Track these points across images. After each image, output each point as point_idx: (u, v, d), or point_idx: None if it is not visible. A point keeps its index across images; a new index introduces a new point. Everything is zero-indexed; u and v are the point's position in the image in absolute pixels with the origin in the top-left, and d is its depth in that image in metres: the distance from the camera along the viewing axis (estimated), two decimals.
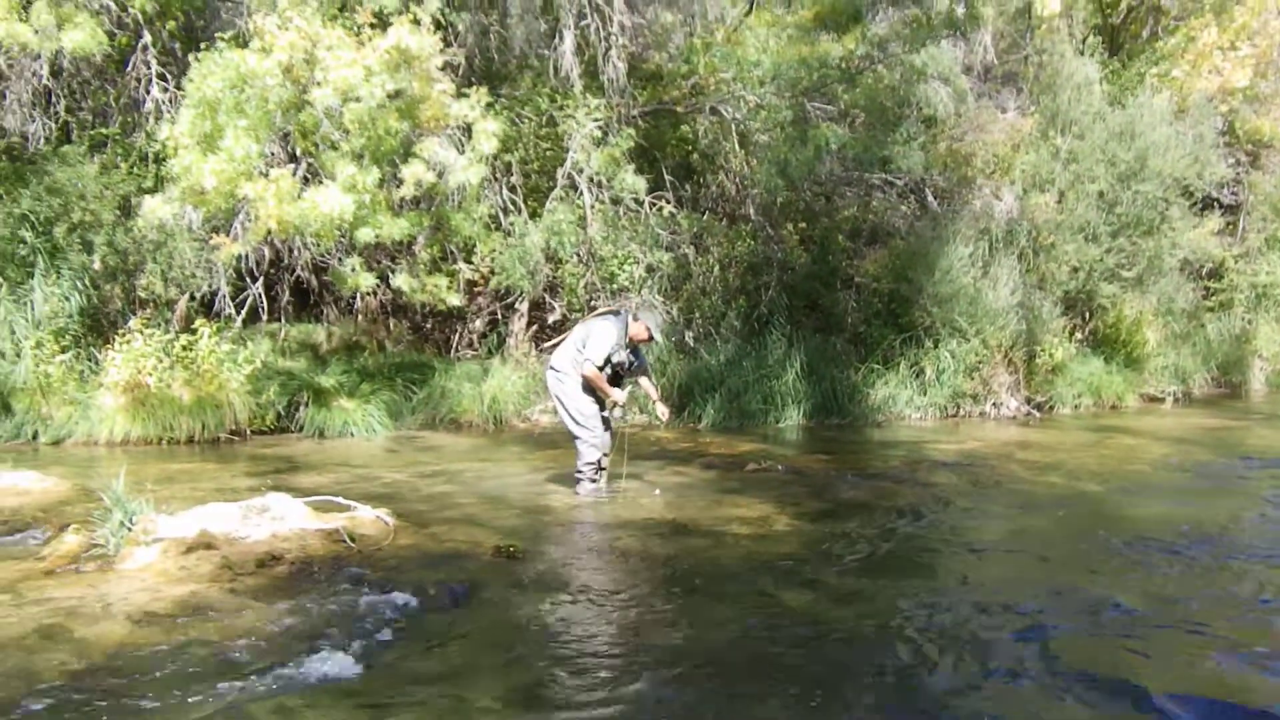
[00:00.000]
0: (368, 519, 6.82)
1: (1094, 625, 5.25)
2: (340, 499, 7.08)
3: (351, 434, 11.39)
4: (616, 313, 8.13)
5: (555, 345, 8.31)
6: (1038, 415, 13.75)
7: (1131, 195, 15.01)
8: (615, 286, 13.39)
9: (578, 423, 8.01)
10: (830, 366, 13.47)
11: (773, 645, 4.93)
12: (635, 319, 8.06)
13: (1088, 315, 15.63)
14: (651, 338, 8.13)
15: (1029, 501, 8.33)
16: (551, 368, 8.11)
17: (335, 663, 4.54)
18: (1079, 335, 15.27)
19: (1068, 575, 6.15)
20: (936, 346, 13.63)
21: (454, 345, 14.15)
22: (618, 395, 8.04)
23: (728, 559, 6.46)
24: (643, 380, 8.52)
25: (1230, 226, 19.12)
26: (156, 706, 4.07)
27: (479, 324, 14.17)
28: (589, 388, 7.96)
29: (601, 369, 7.88)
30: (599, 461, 8.14)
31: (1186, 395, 16.31)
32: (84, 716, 3.96)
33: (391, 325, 14.03)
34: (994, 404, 13.70)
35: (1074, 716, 4.14)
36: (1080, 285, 15.01)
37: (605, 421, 8.14)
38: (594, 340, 7.86)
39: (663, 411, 8.51)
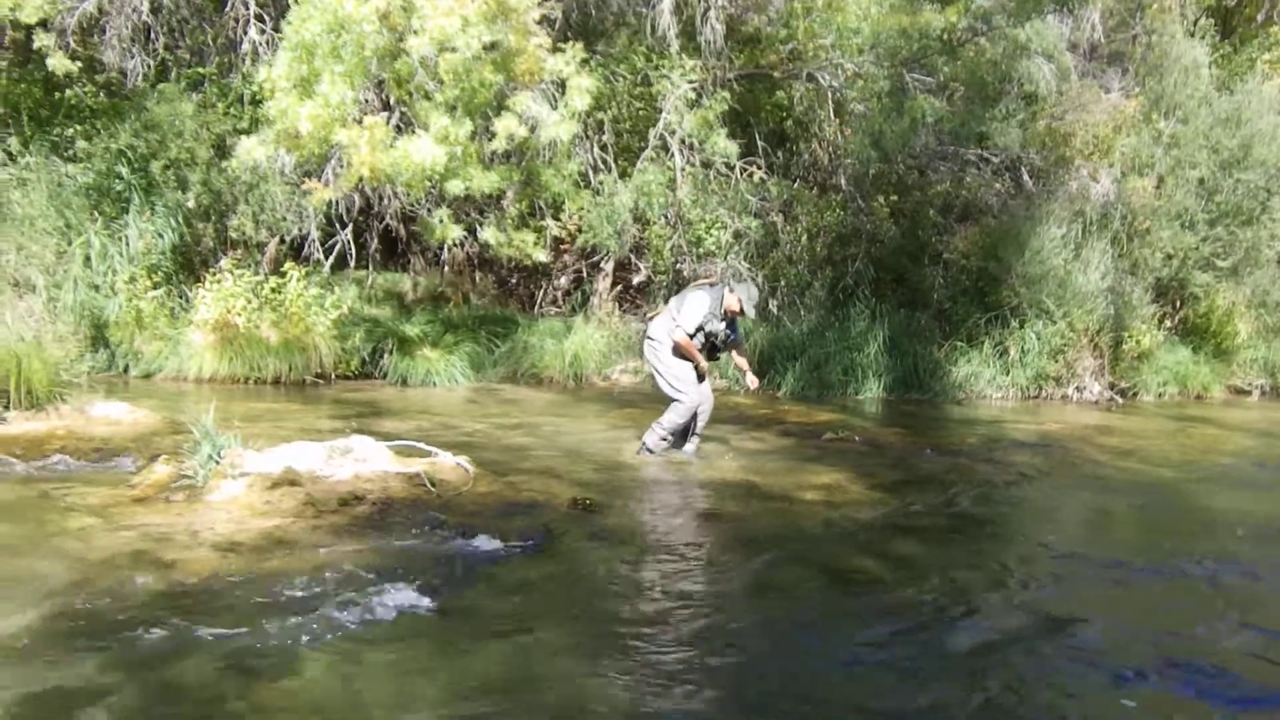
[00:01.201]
0: (448, 465, 6.84)
1: (1155, 611, 5.11)
2: (422, 445, 7.11)
3: (434, 383, 11.48)
4: (713, 284, 8.09)
5: (654, 317, 8.29)
6: (1120, 401, 13.40)
7: (1233, 183, 14.48)
8: (702, 251, 13.29)
9: (674, 387, 7.95)
10: (913, 342, 13.25)
11: (839, 613, 4.87)
12: (730, 290, 7.99)
13: (1178, 303, 15.16)
14: (743, 311, 8.01)
15: (1105, 486, 8.14)
16: (648, 337, 8.09)
17: (412, 600, 4.56)
18: (1168, 323, 14.83)
19: (1138, 559, 6.03)
20: (1022, 327, 13.33)
21: (538, 301, 14.18)
22: (707, 365, 8.03)
23: (800, 524, 6.39)
24: (734, 354, 8.44)
25: None
26: (241, 631, 4.12)
27: (564, 281, 14.18)
28: (682, 354, 7.91)
29: (693, 337, 7.84)
30: (689, 426, 8.10)
31: (1274, 389, 15.77)
32: (171, 638, 4.02)
33: (477, 278, 14.09)
34: (1077, 388, 13.38)
35: (1140, 703, 4.02)
36: (1173, 273, 14.56)
37: (701, 378, 8.05)
38: (687, 309, 7.84)
39: (751, 382, 8.48)
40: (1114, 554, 6.21)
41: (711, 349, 8.03)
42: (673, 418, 7.98)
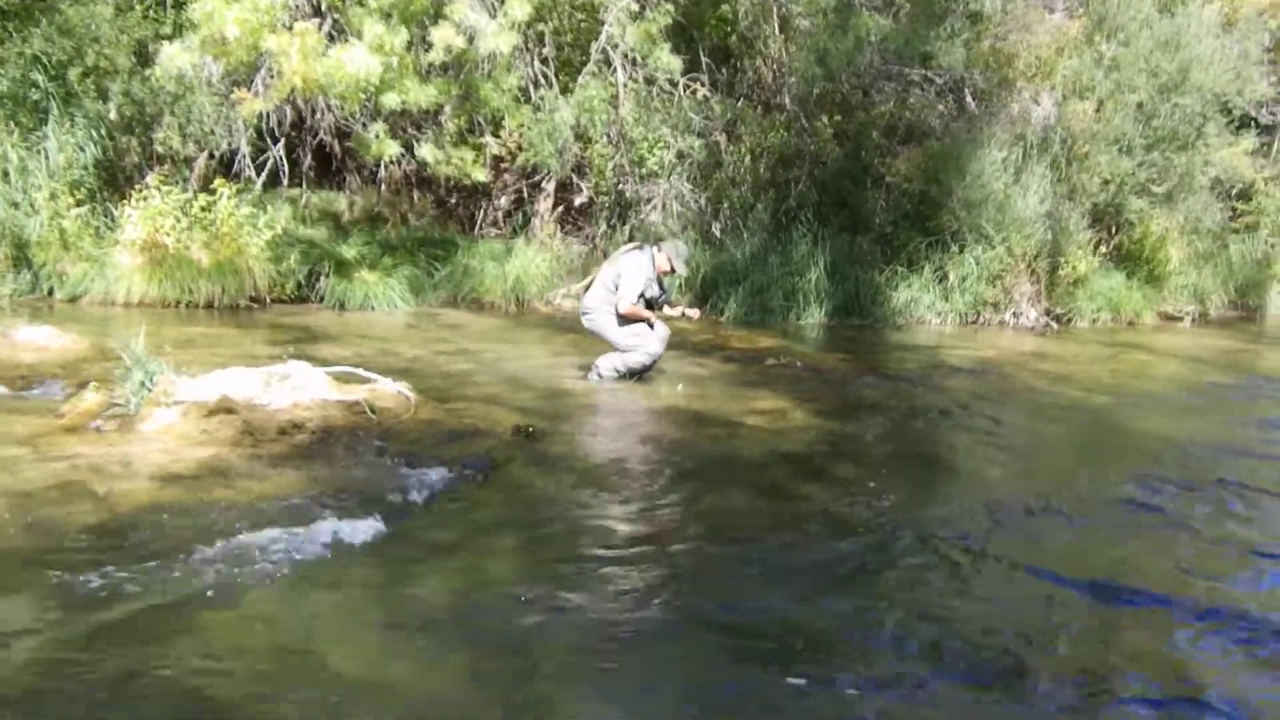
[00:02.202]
0: (389, 392, 6.72)
1: (1089, 526, 5.24)
2: (362, 371, 6.98)
3: (372, 307, 11.26)
4: (641, 248, 8.21)
5: (586, 287, 8.32)
6: (1055, 327, 13.57)
7: (1170, 108, 14.54)
8: (644, 171, 13.11)
9: (629, 346, 8.01)
10: (855, 267, 13.26)
11: (782, 533, 4.91)
12: (659, 251, 8.12)
13: (1114, 229, 15.30)
14: (674, 270, 8.17)
15: (1040, 410, 8.30)
16: (584, 311, 8.15)
17: (355, 528, 4.50)
18: (1103, 249, 14.97)
19: (1069, 480, 6.16)
20: (962, 252, 13.38)
21: (478, 223, 13.92)
22: (655, 318, 8.09)
23: (743, 449, 6.43)
24: (665, 310, 8.41)
25: (1264, 147, 18.64)
26: (180, 564, 4.02)
27: (504, 202, 13.92)
28: (623, 319, 7.96)
29: (635, 304, 7.94)
30: (642, 370, 8.10)
31: (1203, 316, 16.09)
32: (108, 573, 3.91)
33: (415, 198, 13.77)
34: (1014, 313, 13.51)
35: (1073, 615, 4.11)
36: (1110, 198, 14.66)
37: (652, 326, 8.07)
38: (626, 279, 7.89)
39: (693, 313, 8.56)
40: (1048, 476, 6.34)
41: (647, 307, 8.07)
42: (639, 358, 8.01)
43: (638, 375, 8.08)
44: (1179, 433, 7.61)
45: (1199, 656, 3.85)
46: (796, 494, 5.58)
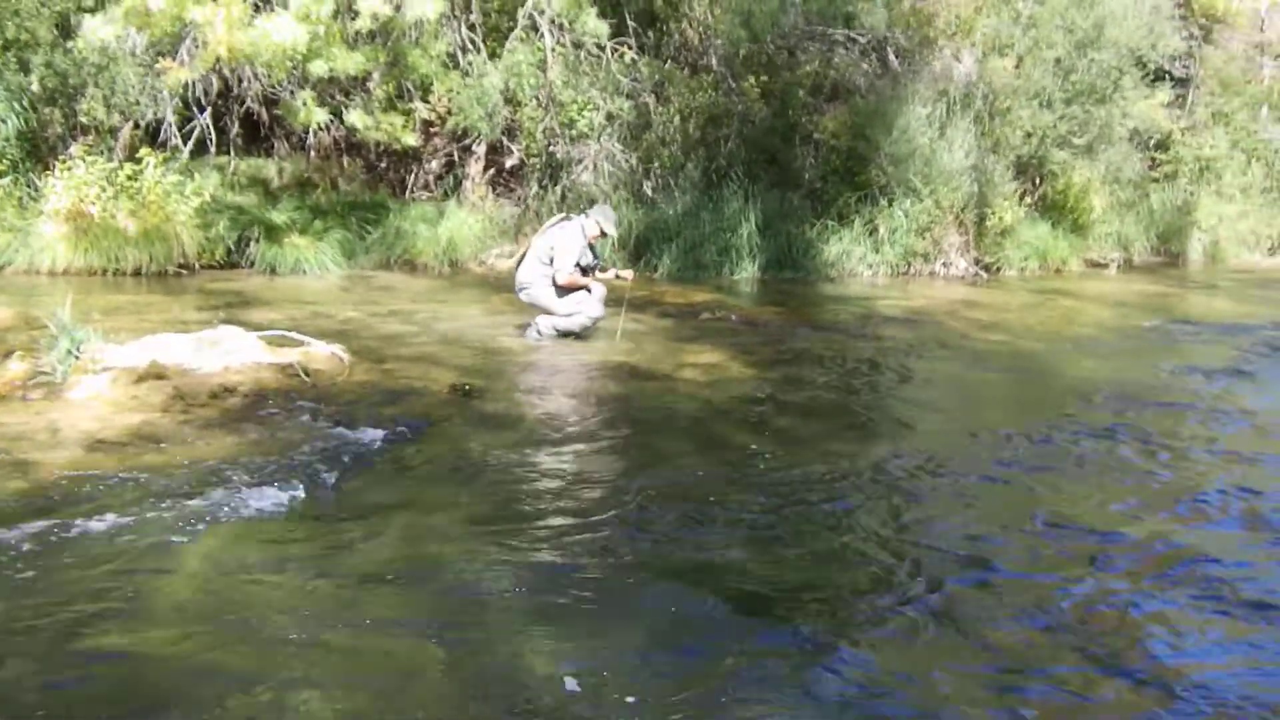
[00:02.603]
0: (322, 354, 6.62)
1: (1016, 468, 5.28)
2: (294, 334, 6.85)
3: (304, 271, 11.06)
4: (569, 218, 8.20)
5: (518, 262, 8.21)
6: (985, 276, 13.72)
7: (1087, 63, 14.73)
8: (574, 133, 12.98)
9: (569, 314, 7.97)
10: (786, 222, 13.27)
11: (721, 483, 4.90)
12: (588, 218, 8.09)
13: (1038, 180, 15.51)
14: (604, 234, 8.15)
15: (972, 357, 8.39)
16: (520, 286, 8.08)
17: (291, 491, 4.42)
18: (1028, 200, 15.15)
19: (1003, 423, 6.21)
20: (890, 205, 13.46)
21: (409, 186, 13.71)
22: (594, 283, 8.07)
23: (681, 402, 6.42)
24: (601, 275, 8.34)
25: (1179, 99, 18.97)
26: (112, 530, 3.92)
27: (435, 165, 13.73)
28: (561, 289, 7.94)
29: (572, 274, 7.92)
30: (582, 330, 8.06)
31: (1128, 262, 16.38)
32: (38, 541, 3.80)
33: (345, 163, 13.53)
34: (944, 264, 13.63)
35: (1000, 550, 4.16)
36: (1032, 150, 14.84)
37: (590, 291, 8.05)
38: (561, 251, 7.86)
39: (627, 274, 8.59)
40: (981, 421, 6.38)
41: (582, 274, 8.04)
42: (581, 320, 7.99)
43: (576, 334, 8.05)
44: (1106, 376, 7.72)
45: (1124, 594, 3.93)
46: (736, 445, 5.57)
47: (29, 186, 10.55)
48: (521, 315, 8.35)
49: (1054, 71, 14.71)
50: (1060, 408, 6.71)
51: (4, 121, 10.71)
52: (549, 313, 8.00)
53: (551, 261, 7.88)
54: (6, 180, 10.41)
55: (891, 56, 14.67)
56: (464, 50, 12.59)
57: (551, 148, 13.05)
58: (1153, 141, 18.41)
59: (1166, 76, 18.23)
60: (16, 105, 10.79)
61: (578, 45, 12.89)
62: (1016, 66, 14.88)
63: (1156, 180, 18.25)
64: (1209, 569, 4.04)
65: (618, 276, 8.47)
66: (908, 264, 13.53)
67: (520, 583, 3.69)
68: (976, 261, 13.82)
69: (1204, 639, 3.51)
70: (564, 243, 7.86)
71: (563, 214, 8.50)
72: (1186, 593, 3.85)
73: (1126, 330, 10.03)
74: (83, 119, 11.23)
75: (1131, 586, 3.90)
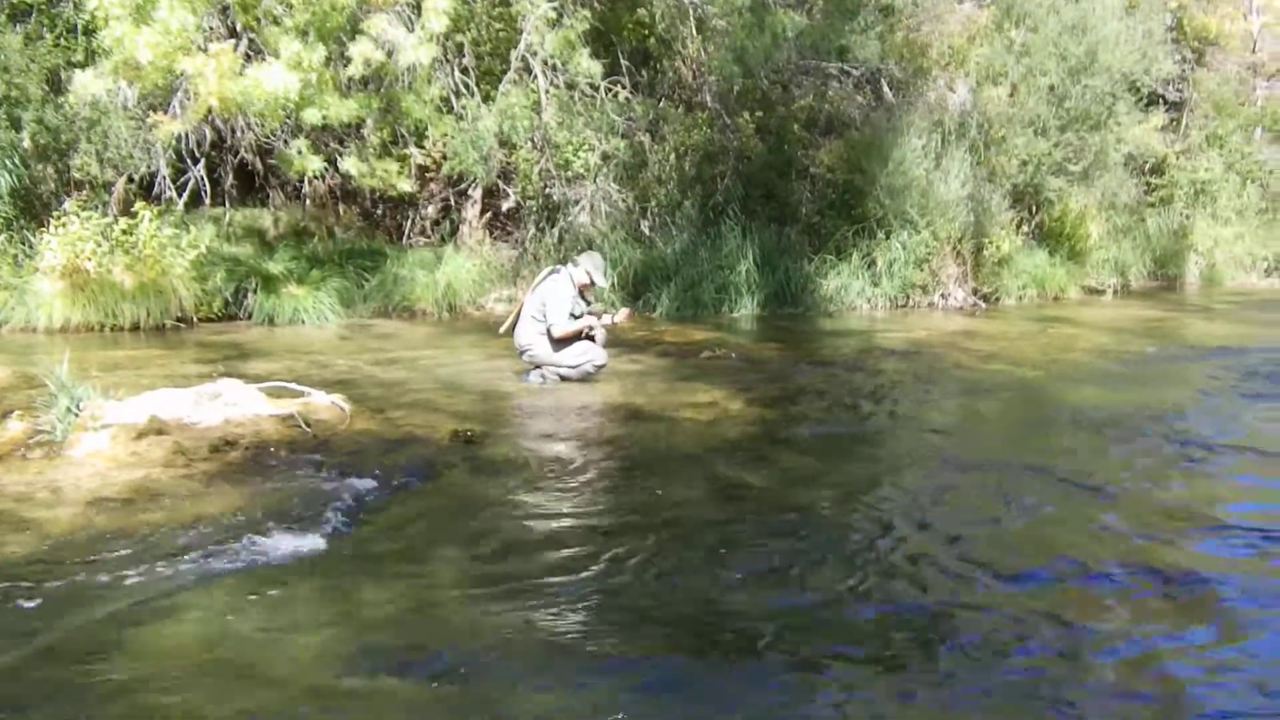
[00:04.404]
0: (323, 404, 6.63)
1: (1024, 501, 5.30)
2: (294, 384, 6.87)
3: (302, 321, 11.10)
4: (556, 270, 8.19)
5: (511, 325, 8.17)
6: (984, 306, 13.79)
7: (1081, 90, 14.87)
8: (570, 174, 13.07)
9: (574, 365, 8.02)
10: (784, 257, 13.37)
11: (729, 524, 4.92)
12: (576, 267, 8.10)
13: (1034, 209, 15.60)
14: (594, 282, 8.14)
15: (974, 387, 8.42)
16: (521, 350, 8.10)
17: (294, 544, 4.43)
18: (1025, 228, 15.26)
19: (1006, 454, 6.28)
20: (888, 238, 13.54)
21: (406, 232, 13.78)
22: (593, 321, 8.12)
23: (683, 442, 6.43)
24: (595, 324, 8.34)
25: (1174, 123, 19.14)
26: (116, 587, 3.93)
27: (431, 210, 13.80)
28: (560, 341, 7.96)
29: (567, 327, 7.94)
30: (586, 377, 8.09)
31: (1125, 288, 16.47)
32: (43, 599, 3.81)
33: (341, 211, 13.61)
34: (942, 295, 13.71)
35: (1024, 596, 4.15)
36: (1028, 178, 14.95)
37: (592, 338, 8.13)
38: (552, 305, 7.87)
39: (621, 317, 8.52)
40: (984, 453, 6.42)
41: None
42: (586, 369, 8.04)
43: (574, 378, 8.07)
44: (1105, 403, 7.75)
45: (1152, 632, 3.93)
46: (739, 483, 5.58)
47: (24, 244, 10.59)
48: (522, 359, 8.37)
49: (1048, 99, 14.86)
50: (1061, 436, 6.75)
51: None
52: (556, 366, 8.04)
53: (545, 317, 7.89)
54: (1, 238, 10.47)
55: (886, 88, 14.84)
56: (457, 94, 12.69)
57: (548, 189, 13.14)
58: (1148, 166, 18.57)
59: (1160, 100, 18.42)
60: (9, 162, 10.82)
61: (571, 86, 13.00)
62: (1011, 95, 15.03)
63: (1152, 205, 18.39)
64: (1232, 599, 4.04)
65: (614, 323, 8.43)
66: (906, 296, 13.60)
67: (525, 632, 3.69)
68: (975, 291, 13.89)
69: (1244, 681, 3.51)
70: (553, 295, 7.89)
71: (550, 267, 8.49)
72: (1212, 631, 3.84)
73: (1126, 356, 10.06)
74: (76, 174, 11.30)
75: (1156, 624, 3.90)
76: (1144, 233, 17.55)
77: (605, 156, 13.19)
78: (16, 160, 10.93)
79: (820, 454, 6.30)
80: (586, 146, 13.08)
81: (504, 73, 12.89)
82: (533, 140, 12.98)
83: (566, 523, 4.94)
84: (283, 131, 11.37)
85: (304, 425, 6.22)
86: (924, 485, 5.56)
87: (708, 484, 5.58)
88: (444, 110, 12.29)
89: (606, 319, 8.41)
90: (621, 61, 13.72)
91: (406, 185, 12.09)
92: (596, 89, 13.09)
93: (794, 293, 13.16)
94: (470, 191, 13.40)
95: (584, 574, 4.24)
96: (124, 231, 10.41)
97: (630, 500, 5.32)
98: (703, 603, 3.99)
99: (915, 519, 5.00)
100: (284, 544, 4.40)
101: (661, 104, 14.05)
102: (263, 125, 10.99)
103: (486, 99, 12.68)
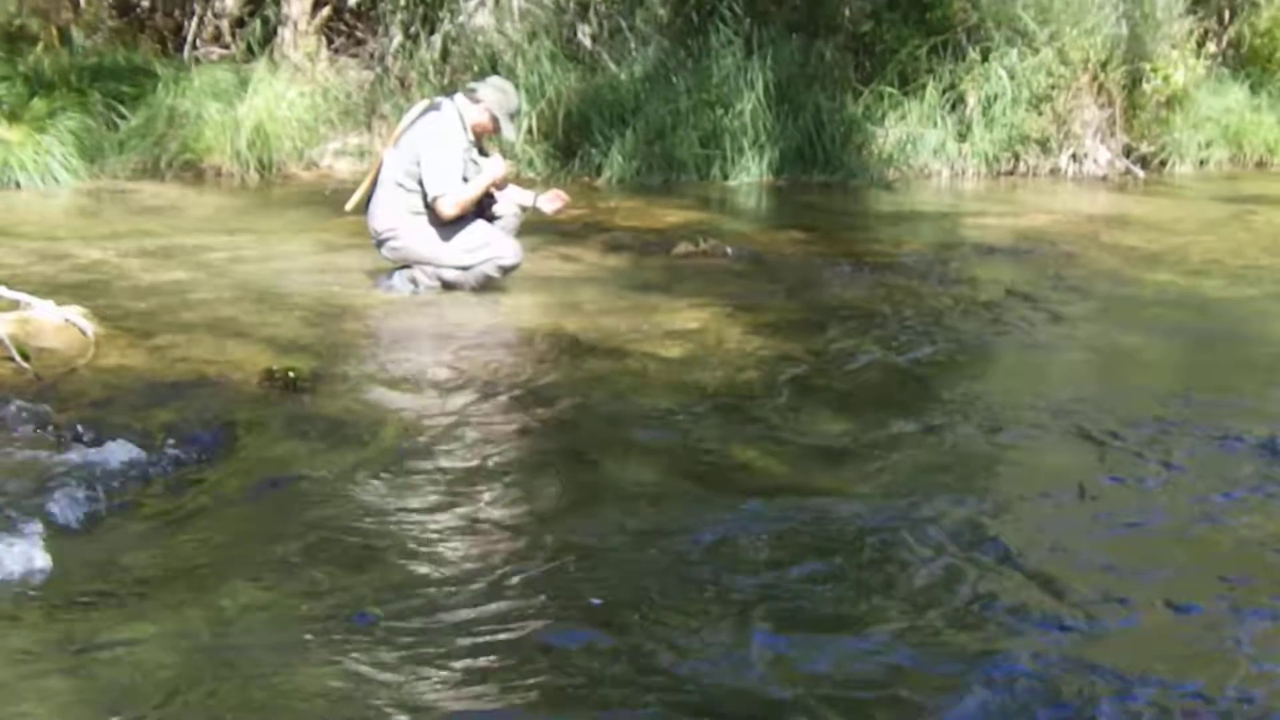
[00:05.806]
0: (51, 324, 6.65)
1: (1194, 508, 5.17)
2: (4, 289, 6.86)
3: (17, 183, 11.07)
4: (437, 105, 8.10)
5: (364, 198, 8.12)
6: (1141, 175, 13.91)
7: None
8: None
9: (466, 266, 7.99)
10: (813, 91, 13.40)
11: (710, 535, 4.72)
12: (472, 102, 8.01)
13: (1227, 14, 15.65)
14: (498, 129, 8.10)
15: (1128, 313, 8.46)
16: (379, 239, 8.07)
17: (10, 555, 4.43)
18: (1212, 47, 15.31)
19: (1184, 427, 6.09)
20: (985, 60, 13.58)
21: (189, 38, 13.70)
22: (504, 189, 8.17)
23: (646, 395, 6.46)
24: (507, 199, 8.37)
25: None
26: None
27: (232, 4, 13.72)
28: (448, 223, 7.87)
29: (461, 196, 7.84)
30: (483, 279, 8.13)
31: None
32: None
33: (82, 3, 13.50)
34: (1073, 155, 13.79)
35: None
36: None
37: (491, 218, 8.15)
38: (431, 162, 7.77)
39: (550, 201, 8.44)
40: (1145, 426, 6.13)
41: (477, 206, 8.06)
42: (488, 271, 8.05)
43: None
44: None
45: None
46: (734, 465, 5.58)
47: None
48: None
49: None
50: (1263, 400, 6.69)
51: None
52: (437, 267, 8.05)
53: (420, 184, 7.83)
54: None
55: None
56: None
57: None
58: None
59: None
60: None
61: None
62: None
63: None
64: None
65: (535, 208, 8.42)
66: (1015, 157, 13.71)
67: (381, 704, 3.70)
68: (1128, 151, 14.00)
69: None
70: (433, 148, 7.81)
71: (428, 100, 8.44)
72: None
73: None
74: None
75: None
76: None
77: None
78: None
79: (863, 422, 6.15)
80: None
81: None
82: None
83: (445, 528, 4.85)
84: None
85: (18, 358, 6.24)
86: (1033, 485, 5.43)
87: (682, 464, 5.56)
88: None
89: (523, 196, 8.43)
90: None
91: None
92: None
93: (828, 149, 13.23)
94: None
95: (467, 616, 4.08)
96: None
97: (553, 493, 5.29)
98: (669, 679, 3.76)
99: (1006, 541, 4.71)
100: None
101: None
102: None
103: None
